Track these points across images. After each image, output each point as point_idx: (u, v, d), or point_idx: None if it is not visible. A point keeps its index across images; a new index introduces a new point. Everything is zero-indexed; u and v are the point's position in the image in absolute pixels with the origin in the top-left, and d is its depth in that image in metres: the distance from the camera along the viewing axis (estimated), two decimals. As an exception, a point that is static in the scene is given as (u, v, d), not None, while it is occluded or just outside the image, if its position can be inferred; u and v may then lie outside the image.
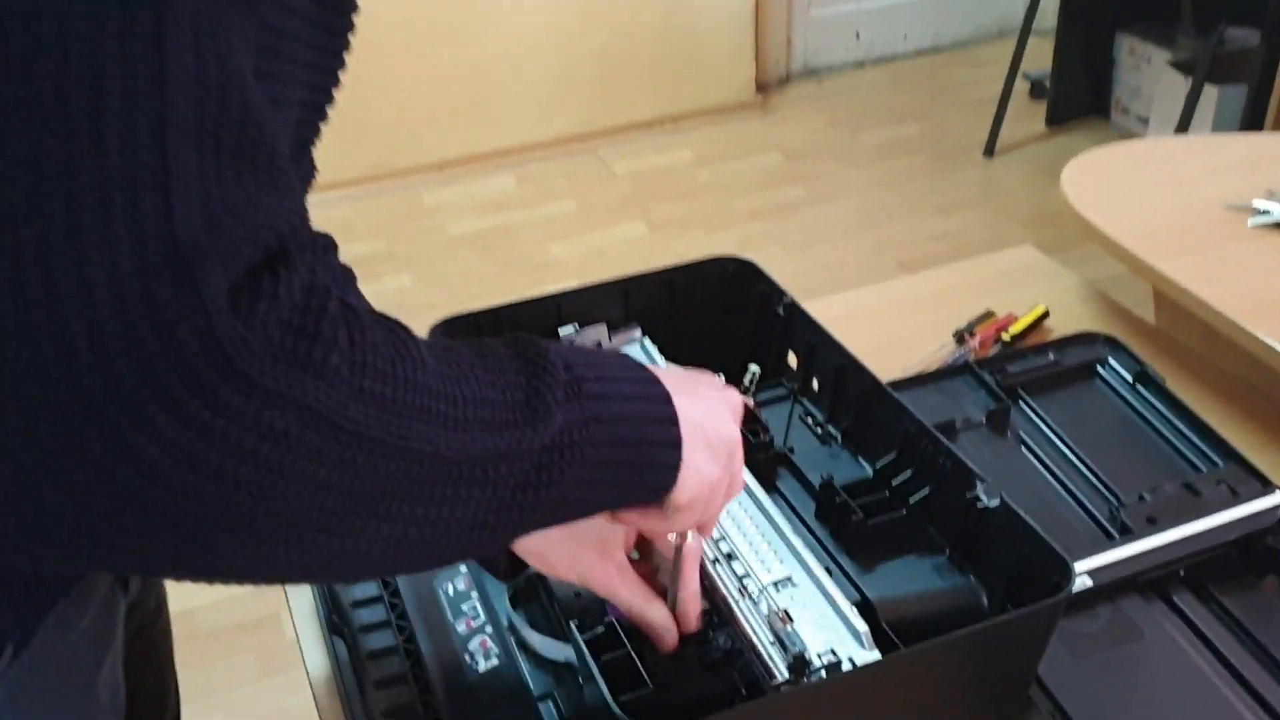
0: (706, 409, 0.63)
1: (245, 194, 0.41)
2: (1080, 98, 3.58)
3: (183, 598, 2.09)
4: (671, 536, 0.74)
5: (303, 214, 0.46)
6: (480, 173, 3.37)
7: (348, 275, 0.58)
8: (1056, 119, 3.57)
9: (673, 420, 0.59)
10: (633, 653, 0.76)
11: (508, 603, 0.93)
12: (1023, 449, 1.07)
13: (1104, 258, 1.34)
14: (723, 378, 1.02)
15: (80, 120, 0.38)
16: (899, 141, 3.55)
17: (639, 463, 0.58)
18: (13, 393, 0.38)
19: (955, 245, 3.04)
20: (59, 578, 0.62)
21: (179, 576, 0.46)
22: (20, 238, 0.37)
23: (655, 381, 0.59)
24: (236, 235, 0.41)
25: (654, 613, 0.75)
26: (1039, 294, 1.35)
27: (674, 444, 0.60)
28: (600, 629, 0.78)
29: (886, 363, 1.22)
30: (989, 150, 3.44)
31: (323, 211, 3.24)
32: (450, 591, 0.94)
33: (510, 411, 0.51)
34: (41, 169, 0.38)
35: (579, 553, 0.74)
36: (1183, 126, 3.02)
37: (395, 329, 0.48)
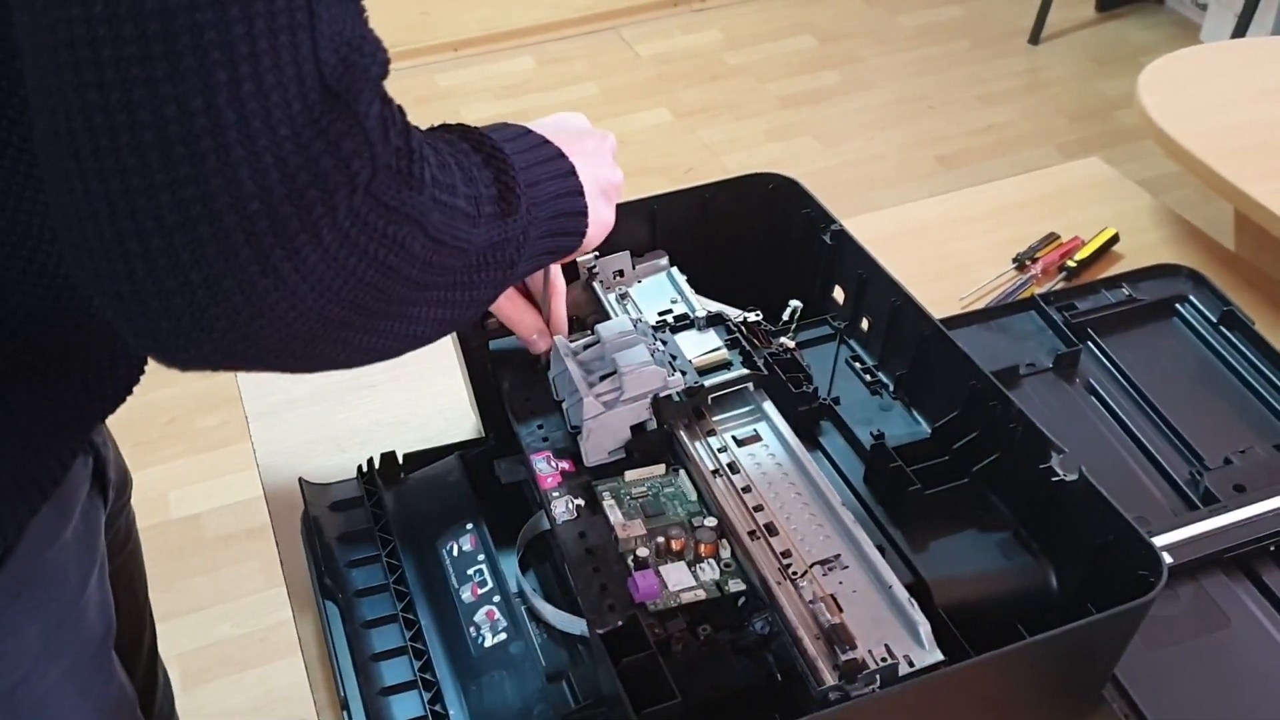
0: (597, 162, 0.72)
1: (356, 28, 0.45)
2: (1134, -20, 3.37)
3: (189, 503, 2.05)
4: None
5: (375, 36, 0.48)
6: (497, 54, 3.21)
7: None
8: (1107, 4, 3.37)
9: (579, 190, 0.68)
10: (657, 655, 0.66)
11: (517, 566, 0.84)
12: (1093, 399, 0.96)
13: (1156, 155, 1.21)
14: (760, 314, 0.92)
15: None
16: (940, 25, 3.35)
17: (559, 230, 0.67)
18: (208, 206, 0.42)
19: (997, 140, 2.88)
20: (38, 484, 0.64)
21: (261, 367, 0.49)
22: (214, 80, 0.41)
23: (560, 156, 0.67)
24: (365, 66, 0.45)
25: (529, 320, 0.83)
26: (1106, 213, 1.23)
27: (583, 211, 0.69)
28: (620, 622, 0.69)
29: (940, 291, 1.11)
30: (1035, 37, 3.25)
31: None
32: (455, 553, 0.85)
33: (494, 204, 0.57)
34: (228, 13, 0.41)
35: None
36: (1246, 14, 2.82)
37: (429, 135, 0.53)
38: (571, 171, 0.67)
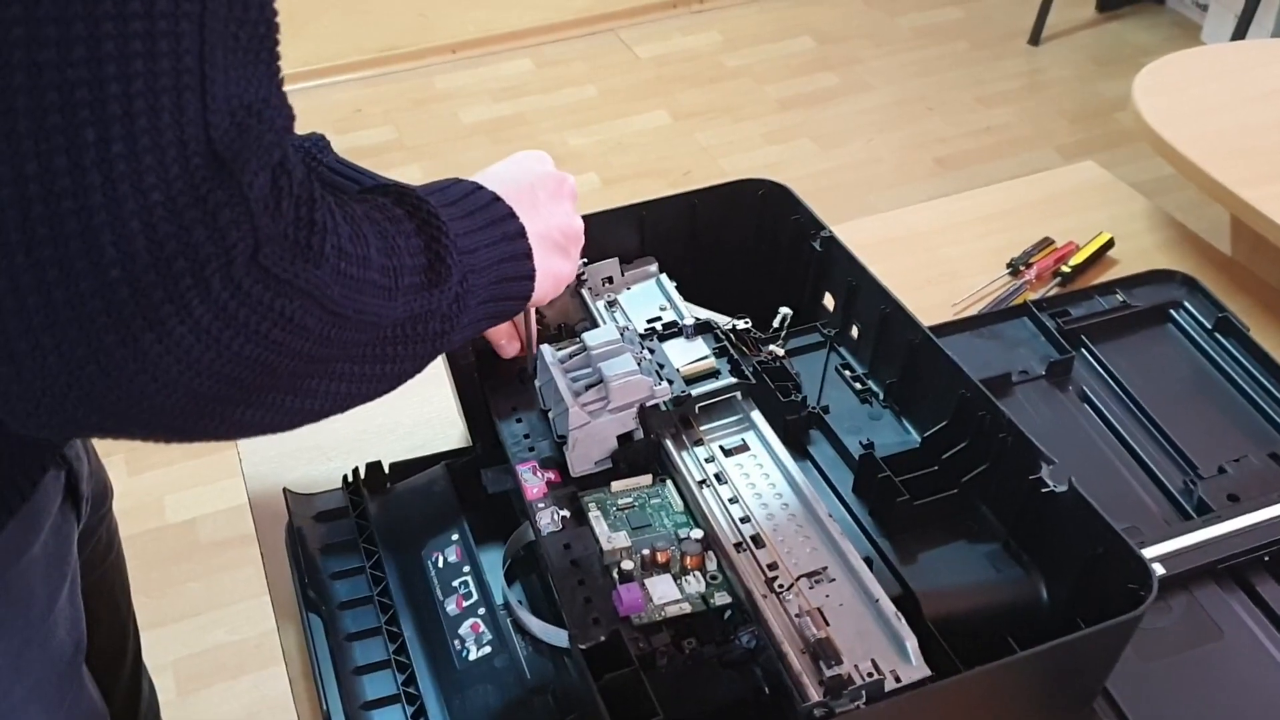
0: (550, 215, 0.69)
1: (260, 91, 0.43)
2: (1135, -19, 3.36)
3: (184, 509, 2.04)
4: None
5: (284, 99, 0.46)
6: (495, 56, 3.19)
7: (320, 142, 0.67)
8: (1108, 4, 3.35)
9: (527, 254, 0.65)
10: (640, 671, 0.66)
11: (502, 578, 0.83)
12: (1086, 407, 0.95)
13: (1156, 157, 1.20)
14: (749, 321, 0.91)
15: (136, 23, 0.39)
16: (939, 26, 3.34)
17: (503, 296, 0.64)
18: (64, 270, 0.40)
19: (996, 142, 2.87)
20: (3, 500, 0.63)
21: (150, 434, 0.47)
22: (82, 139, 0.39)
23: (510, 216, 0.64)
24: (259, 133, 0.43)
25: (508, 350, 0.82)
26: (1101, 218, 1.22)
27: (529, 275, 0.66)
28: (603, 637, 0.68)
29: (933, 298, 1.10)
30: (1034, 38, 3.23)
31: (328, 96, 3.11)
32: (440, 564, 0.84)
33: (420, 275, 0.54)
34: (102, 71, 0.39)
35: None
36: (1246, 15, 2.81)
37: (342, 203, 0.50)
38: (520, 234, 0.65)
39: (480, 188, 0.65)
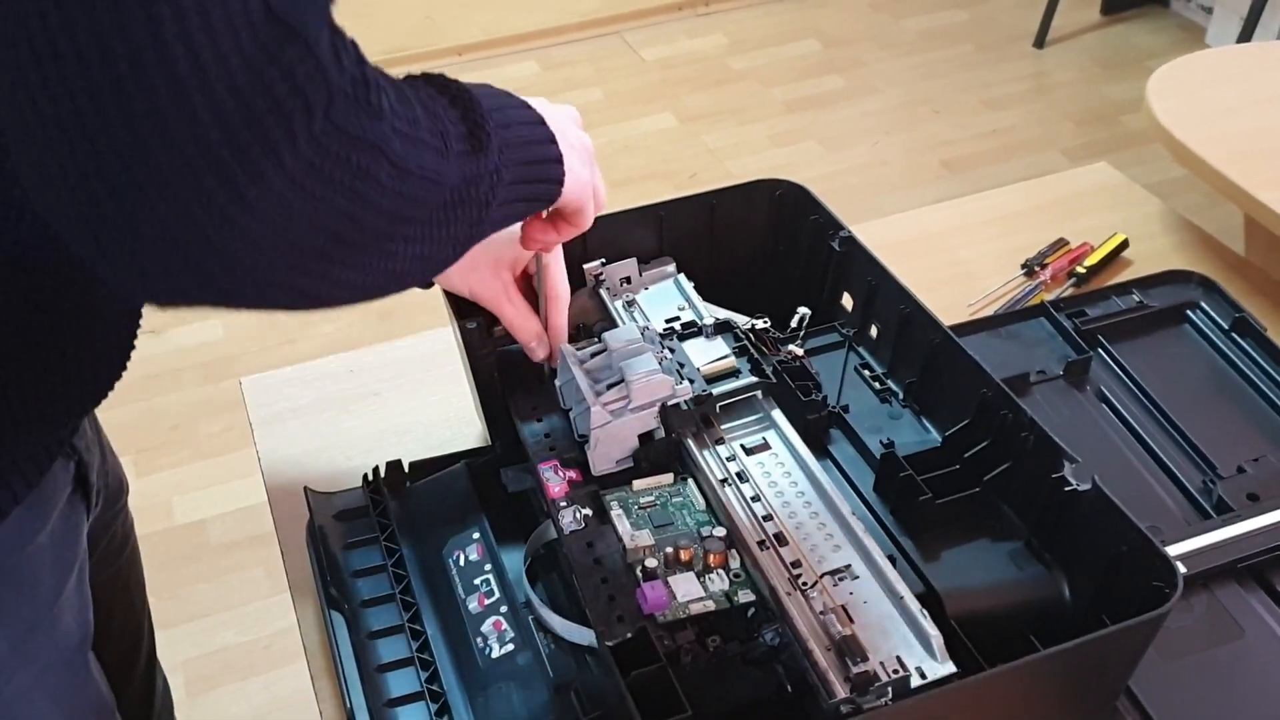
0: (563, 124, 0.70)
1: None
2: (1139, -16, 3.37)
3: (193, 510, 2.04)
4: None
5: None
6: (501, 58, 3.20)
7: None
8: (1112, 8, 3.36)
9: (553, 139, 0.67)
10: (667, 666, 0.66)
11: (524, 576, 0.83)
12: (1104, 407, 0.95)
13: (1164, 159, 1.20)
14: (768, 321, 0.91)
15: None
16: (944, 29, 3.35)
17: (535, 178, 0.66)
18: (166, 138, 0.42)
19: (1003, 144, 2.87)
20: (9, 487, 0.64)
21: (243, 302, 0.49)
22: (157, 12, 0.41)
23: (528, 105, 0.67)
24: None
25: (531, 324, 0.84)
26: (1115, 219, 1.22)
27: (558, 159, 0.68)
28: (628, 634, 0.68)
29: (949, 298, 1.10)
30: (1040, 41, 3.24)
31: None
32: (461, 562, 0.85)
33: (464, 143, 0.57)
34: None
35: (474, 266, 0.83)
36: (1252, 17, 2.81)
37: (380, 71, 0.52)
38: (541, 121, 0.67)
39: (492, 86, 0.66)
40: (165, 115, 0.42)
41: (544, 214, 0.75)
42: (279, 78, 0.43)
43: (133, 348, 0.72)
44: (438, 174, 0.53)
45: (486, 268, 0.83)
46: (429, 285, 0.85)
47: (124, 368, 0.71)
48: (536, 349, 0.84)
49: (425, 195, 0.53)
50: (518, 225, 0.75)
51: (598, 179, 0.75)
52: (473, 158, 0.57)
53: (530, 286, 0.86)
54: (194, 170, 0.43)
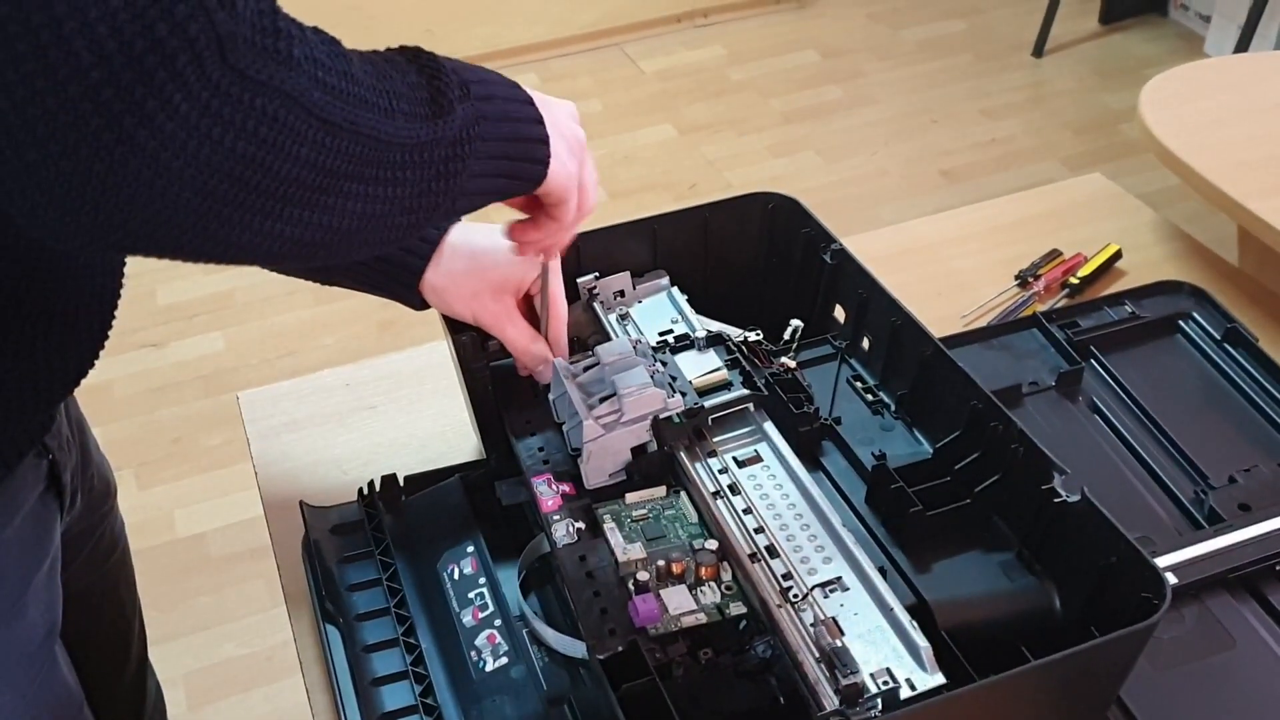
0: (556, 112, 0.69)
1: None
2: (1137, -7, 3.37)
3: (193, 523, 2.05)
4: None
5: None
6: (501, 70, 3.17)
7: None
8: (1111, 16, 3.37)
9: (539, 120, 0.66)
10: (658, 680, 0.66)
11: (518, 589, 0.84)
12: (1096, 418, 0.96)
13: (1160, 168, 1.21)
14: (760, 333, 0.92)
15: None
16: (942, 39, 3.36)
17: (518, 155, 0.65)
18: (51, 79, 0.43)
19: (1001, 153, 2.88)
20: None
21: (173, 249, 0.50)
22: None
23: (518, 85, 0.66)
24: None
25: (536, 350, 0.84)
26: (1109, 229, 1.23)
27: (543, 139, 0.67)
28: (620, 647, 0.68)
29: (942, 310, 1.11)
30: (1038, 50, 3.25)
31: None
32: (455, 575, 0.85)
33: (422, 106, 0.56)
34: None
35: (476, 292, 0.84)
36: (1249, 27, 2.82)
37: (319, 30, 0.52)
38: (528, 100, 0.66)
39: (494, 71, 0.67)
40: (47, 54, 0.43)
41: (527, 211, 0.74)
42: (159, 17, 0.44)
43: (106, 336, 0.73)
44: (375, 129, 0.53)
45: (488, 293, 0.84)
46: (418, 305, 0.85)
47: (95, 356, 0.72)
48: (543, 372, 0.85)
49: (358, 151, 0.52)
50: (512, 249, 0.75)
51: (588, 175, 0.74)
52: (431, 122, 0.57)
53: (532, 309, 0.87)
54: (79, 110, 0.43)
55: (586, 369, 0.83)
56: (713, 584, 0.74)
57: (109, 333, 0.73)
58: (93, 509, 0.88)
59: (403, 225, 0.58)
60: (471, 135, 0.59)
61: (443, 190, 0.59)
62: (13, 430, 0.69)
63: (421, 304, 0.85)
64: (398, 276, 0.83)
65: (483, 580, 0.84)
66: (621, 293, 0.95)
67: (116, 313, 0.73)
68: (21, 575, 0.72)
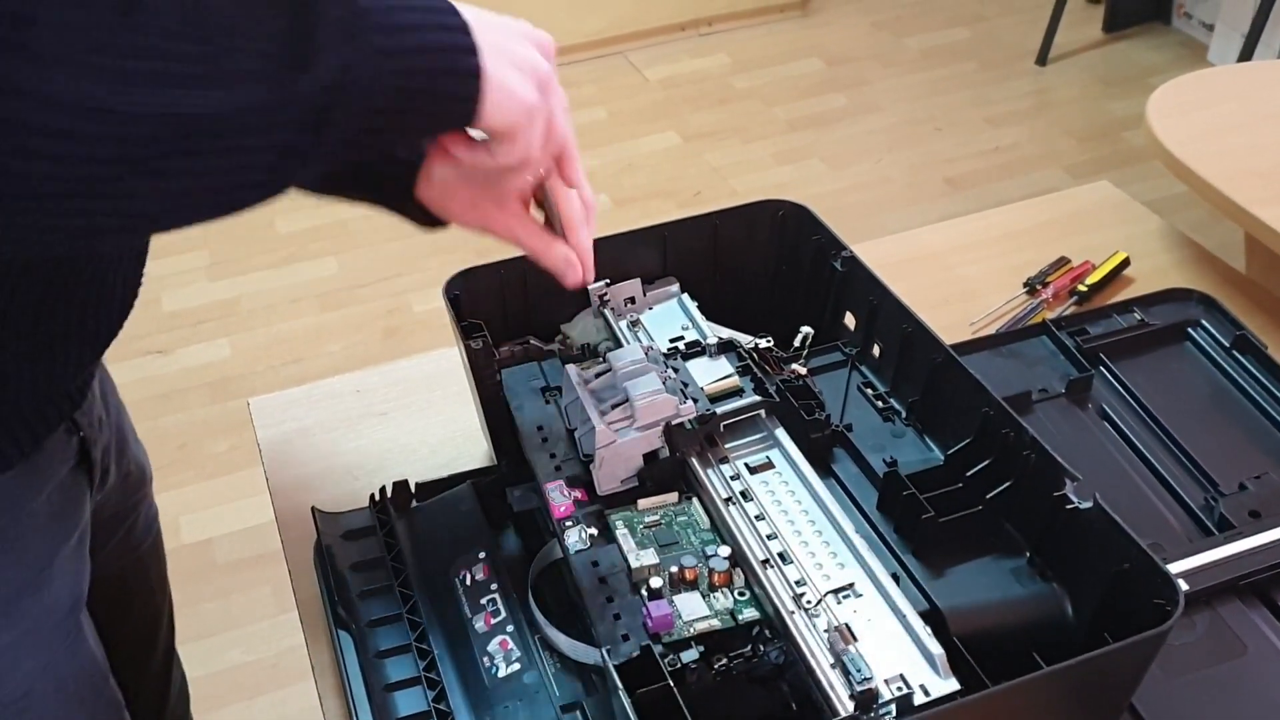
0: (506, 36, 0.61)
1: None
2: (1140, 2, 3.38)
3: (200, 529, 2.05)
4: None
5: None
6: (506, 78, 3.21)
7: None
8: (1115, 25, 3.37)
9: (469, 50, 0.58)
10: (672, 686, 0.66)
11: (530, 595, 0.84)
12: (1106, 425, 0.96)
13: (1166, 176, 1.21)
14: (770, 340, 0.92)
15: None
16: (946, 47, 3.36)
17: (434, 89, 0.57)
18: None
19: (1005, 161, 2.88)
20: (1, 453, 0.65)
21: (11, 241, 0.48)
22: None
23: (451, 10, 0.58)
24: None
25: (557, 249, 0.74)
26: (1117, 237, 1.23)
27: (471, 71, 0.58)
28: (634, 653, 0.69)
29: (951, 317, 1.11)
30: (1042, 58, 3.25)
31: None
32: (467, 582, 0.85)
33: (268, 61, 0.49)
34: None
35: (477, 201, 0.74)
36: (1252, 36, 2.83)
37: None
38: (460, 28, 0.58)
39: None
40: None
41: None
42: None
43: (131, 306, 0.73)
44: (199, 106, 0.47)
45: (490, 203, 0.75)
46: (431, 225, 0.76)
47: (122, 319, 0.72)
48: (567, 273, 0.75)
49: (157, 133, 0.47)
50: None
51: (557, 113, 0.66)
52: (281, 78, 0.50)
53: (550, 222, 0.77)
54: None
55: (598, 375, 0.84)
56: (725, 590, 0.74)
57: (138, 293, 0.73)
58: (128, 494, 0.90)
59: (259, 185, 0.52)
60: (359, 78, 0.52)
61: (312, 145, 0.52)
62: (37, 408, 0.69)
63: (428, 219, 0.77)
64: (389, 190, 0.76)
65: (494, 586, 0.84)
66: (632, 299, 0.95)
67: (144, 273, 0.73)
68: (48, 548, 0.73)
